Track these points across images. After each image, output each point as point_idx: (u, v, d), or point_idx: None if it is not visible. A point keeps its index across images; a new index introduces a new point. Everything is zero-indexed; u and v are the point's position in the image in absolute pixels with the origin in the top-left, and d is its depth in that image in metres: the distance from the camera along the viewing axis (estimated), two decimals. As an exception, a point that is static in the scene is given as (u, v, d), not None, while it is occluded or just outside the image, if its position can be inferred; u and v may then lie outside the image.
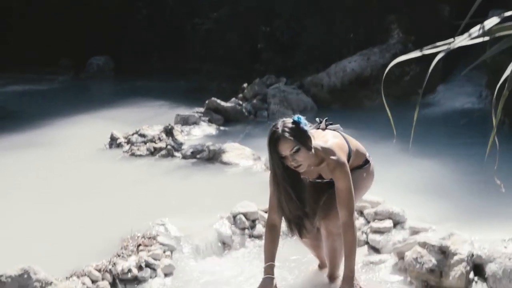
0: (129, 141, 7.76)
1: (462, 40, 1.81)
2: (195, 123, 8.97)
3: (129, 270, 4.17)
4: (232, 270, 4.41)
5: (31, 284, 3.65)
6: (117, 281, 4.12)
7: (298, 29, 11.70)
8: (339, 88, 10.31)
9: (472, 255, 4.02)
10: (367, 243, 4.68)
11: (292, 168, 3.55)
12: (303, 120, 3.54)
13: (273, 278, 3.66)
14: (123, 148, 7.66)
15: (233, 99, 9.91)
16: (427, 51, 1.85)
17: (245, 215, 4.96)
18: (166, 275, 4.32)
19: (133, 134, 7.87)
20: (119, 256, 4.29)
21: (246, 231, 4.90)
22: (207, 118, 9.21)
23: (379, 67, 9.99)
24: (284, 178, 3.58)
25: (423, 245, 4.06)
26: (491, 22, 1.78)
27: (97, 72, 14.80)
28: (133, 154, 7.40)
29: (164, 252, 4.47)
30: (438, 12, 10.26)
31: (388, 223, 4.67)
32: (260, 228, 4.93)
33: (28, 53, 15.22)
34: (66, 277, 3.97)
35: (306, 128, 3.54)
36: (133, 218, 4.94)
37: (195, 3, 13.71)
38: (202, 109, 9.41)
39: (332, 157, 3.62)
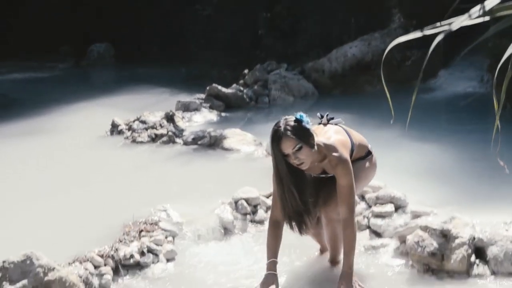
0: (130, 128, 7.76)
1: (462, 21, 1.80)
2: (196, 109, 8.96)
3: (131, 256, 4.18)
4: (234, 255, 4.42)
5: (33, 269, 3.66)
6: (119, 266, 4.13)
7: (298, 15, 11.66)
8: (340, 73, 10.29)
9: (474, 238, 4.03)
10: (368, 227, 4.68)
11: (294, 166, 3.55)
12: (305, 118, 3.54)
13: (275, 275, 3.68)
14: (124, 135, 7.66)
15: (234, 85, 9.90)
16: (428, 31, 1.84)
17: (246, 200, 4.96)
18: (168, 260, 4.33)
19: (134, 121, 7.87)
20: (121, 242, 4.30)
21: (248, 216, 4.91)
22: (208, 105, 9.20)
23: (380, 52, 9.96)
24: (287, 175, 3.59)
25: (425, 228, 4.06)
26: (492, 2, 1.76)
27: (97, 59, 14.79)
28: (134, 141, 7.41)
29: (166, 237, 4.48)
30: (439, -4, 10.21)
31: (390, 208, 4.67)
32: (261, 213, 4.94)
33: (29, 41, 15.20)
34: (69, 263, 3.98)
35: (308, 126, 3.54)
36: (134, 204, 4.95)
37: (196, -11, 13.68)
38: (203, 96, 9.40)
39: (335, 154, 3.63)
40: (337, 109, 8.50)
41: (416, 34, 1.87)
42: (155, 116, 7.91)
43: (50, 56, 14.91)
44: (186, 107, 8.91)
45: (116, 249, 4.19)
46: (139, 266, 4.20)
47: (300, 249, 4.28)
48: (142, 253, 4.24)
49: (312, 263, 4.23)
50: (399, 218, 4.60)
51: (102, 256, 4.11)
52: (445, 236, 4.00)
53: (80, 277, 3.86)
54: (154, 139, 7.40)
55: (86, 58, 14.88)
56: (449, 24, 1.79)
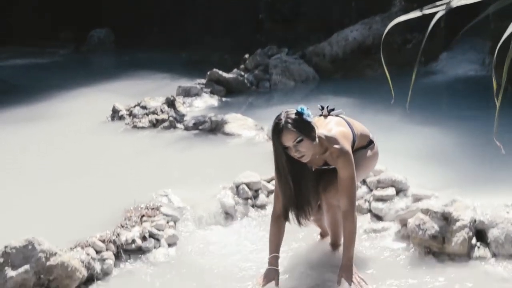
0: (131, 113, 7.75)
1: (462, -1, 1.78)
2: (197, 94, 8.94)
3: (133, 241, 4.20)
4: (235, 239, 4.44)
5: (35, 254, 3.67)
6: (121, 251, 4.14)
7: (299, -2, 11.62)
8: (341, 57, 10.25)
9: (475, 220, 4.03)
10: (370, 211, 4.69)
11: (295, 159, 3.55)
12: (306, 110, 3.53)
13: (277, 270, 3.69)
14: (125, 121, 7.65)
15: (235, 70, 9.87)
16: (427, 10, 1.83)
17: (248, 185, 4.97)
18: (169, 245, 4.34)
19: (135, 106, 7.86)
20: (122, 227, 4.31)
21: (249, 201, 4.92)
22: (209, 90, 9.18)
23: (381, 36, 9.88)
24: (285, 168, 3.58)
25: (426, 211, 4.07)
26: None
27: (98, 44, 14.74)
28: (135, 126, 7.40)
29: (167, 222, 4.49)
30: (441, -22, 10.15)
31: (391, 191, 4.67)
32: (263, 198, 4.95)
33: (29, 27, 15.16)
34: (70, 248, 3.99)
35: (309, 119, 3.53)
36: (136, 190, 4.95)
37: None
38: (204, 81, 9.37)
39: (336, 146, 3.62)
40: (338, 93, 8.49)
41: (416, 14, 1.86)
42: (156, 102, 7.90)
43: (50, 42, 14.87)
44: (187, 92, 8.89)
45: (118, 234, 4.20)
46: (140, 251, 4.22)
47: (301, 234, 4.28)
48: (143, 238, 4.25)
49: (313, 247, 4.24)
50: (400, 202, 4.61)
51: (103, 241, 4.12)
52: (446, 219, 4.01)
53: (82, 262, 3.87)
54: (155, 124, 7.39)
55: (86, 43, 14.82)
56: (449, 2, 1.78)
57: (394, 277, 3.78)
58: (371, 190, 4.80)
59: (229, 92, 9.34)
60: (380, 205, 4.63)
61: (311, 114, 3.58)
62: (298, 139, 3.47)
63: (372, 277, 3.77)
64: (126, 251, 4.17)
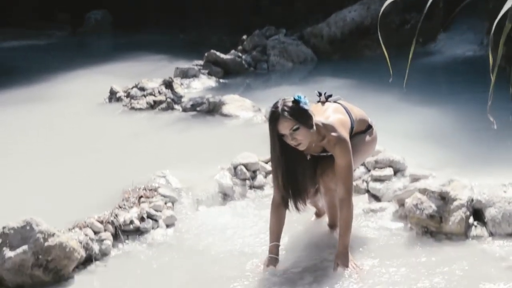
0: (128, 95, 7.74)
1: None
2: (195, 76, 8.92)
3: (131, 222, 4.20)
4: (233, 220, 4.44)
5: (33, 235, 3.67)
6: (119, 232, 4.15)
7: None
8: (339, 38, 10.22)
9: (472, 200, 4.04)
10: (367, 191, 4.69)
11: (292, 147, 3.53)
12: (303, 98, 3.50)
13: (277, 259, 3.70)
14: (122, 102, 7.64)
15: (233, 51, 9.84)
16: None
17: (245, 166, 4.97)
18: (168, 226, 4.35)
19: (132, 88, 7.84)
20: (120, 208, 4.31)
21: (247, 182, 4.92)
22: (206, 71, 9.16)
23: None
24: (283, 156, 3.57)
25: (423, 191, 4.07)
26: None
27: (95, 26, 14.66)
28: (132, 108, 7.39)
29: (165, 203, 4.49)
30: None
31: (389, 171, 4.68)
32: (261, 179, 4.95)
33: (26, 9, 15.07)
34: (69, 229, 3.99)
35: (306, 107, 3.51)
36: (134, 171, 4.95)
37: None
38: (201, 62, 9.35)
39: (333, 134, 3.60)
40: (336, 74, 8.47)
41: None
42: (153, 83, 7.88)
43: (47, 24, 14.79)
44: (185, 74, 8.87)
45: (116, 215, 4.21)
46: (139, 232, 4.22)
47: (297, 215, 4.29)
48: (141, 219, 4.26)
49: (311, 227, 4.25)
50: (398, 182, 4.61)
51: (101, 222, 4.13)
52: (443, 199, 4.01)
53: (80, 242, 3.88)
54: (152, 106, 7.38)
55: (84, 25, 14.75)
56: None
57: (391, 257, 3.79)
58: (369, 171, 4.81)
59: (227, 73, 9.33)
60: (378, 185, 4.63)
61: (308, 102, 3.56)
62: (295, 127, 3.46)
63: (370, 257, 3.78)
64: (124, 232, 4.18)
